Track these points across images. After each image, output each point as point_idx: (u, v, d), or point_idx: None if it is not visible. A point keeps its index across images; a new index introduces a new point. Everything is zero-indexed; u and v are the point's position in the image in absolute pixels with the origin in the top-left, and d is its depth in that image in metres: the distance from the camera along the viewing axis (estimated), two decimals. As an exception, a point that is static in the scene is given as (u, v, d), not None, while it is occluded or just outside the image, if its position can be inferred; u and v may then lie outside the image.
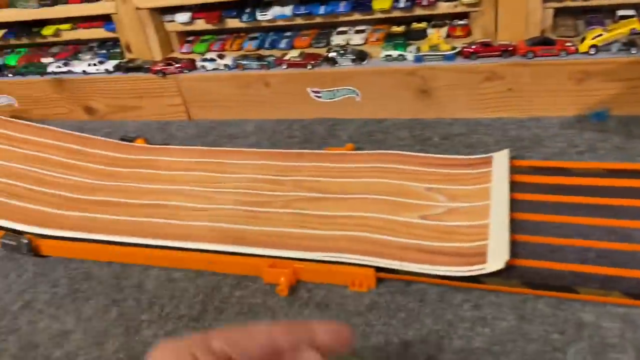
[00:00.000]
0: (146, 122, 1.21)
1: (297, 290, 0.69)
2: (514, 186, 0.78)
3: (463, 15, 1.08)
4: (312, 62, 1.06)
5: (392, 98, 1.04)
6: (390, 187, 0.82)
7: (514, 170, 0.81)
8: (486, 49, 0.97)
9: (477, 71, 0.97)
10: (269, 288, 0.70)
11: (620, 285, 0.60)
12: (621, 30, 0.89)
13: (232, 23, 1.17)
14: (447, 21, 1.09)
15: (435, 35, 1.02)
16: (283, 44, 1.16)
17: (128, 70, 1.19)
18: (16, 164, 1.01)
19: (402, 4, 1.04)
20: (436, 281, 0.66)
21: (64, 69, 1.25)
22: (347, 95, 1.07)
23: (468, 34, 1.05)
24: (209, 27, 1.19)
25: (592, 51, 0.91)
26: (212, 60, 1.14)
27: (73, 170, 1.00)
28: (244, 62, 1.11)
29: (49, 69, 1.26)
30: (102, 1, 1.19)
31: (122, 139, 1.08)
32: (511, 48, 0.95)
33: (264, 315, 0.66)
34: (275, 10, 1.12)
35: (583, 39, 0.92)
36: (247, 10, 1.15)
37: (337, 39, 1.12)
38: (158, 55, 1.22)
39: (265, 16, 1.13)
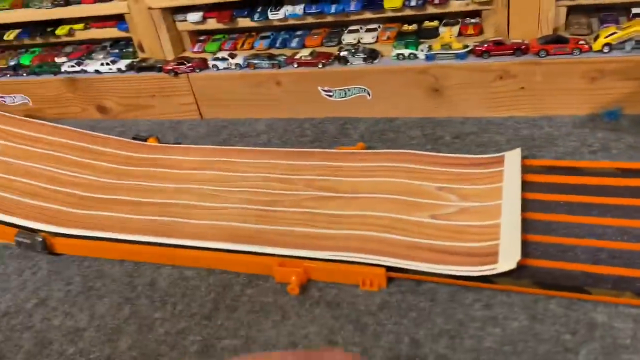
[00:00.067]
0: (158, 121, 1.22)
1: (308, 289, 0.70)
2: (526, 186, 0.78)
3: (475, 14, 1.07)
4: (323, 61, 1.06)
5: (404, 97, 1.03)
6: (401, 187, 0.82)
7: (525, 169, 0.81)
8: (498, 47, 0.96)
9: (489, 70, 0.96)
10: (280, 287, 0.70)
11: (633, 286, 0.60)
12: (636, 28, 0.88)
13: (244, 22, 1.18)
14: (459, 19, 1.08)
15: (447, 33, 1.01)
16: (294, 43, 1.16)
17: (140, 69, 1.20)
18: (31, 163, 1.02)
19: (413, 3, 1.03)
20: (447, 281, 0.66)
21: (77, 68, 1.26)
22: (358, 94, 1.07)
23: (480, 32, 1.05)
24: (221, 26, 1.19)
25: (606, 49, 0.90)
26: (223, 59, 1.14)
27: (86, 169, 1.01)
28: (255, 62, 1.11)
29: (63, 69, 1.27)
30: (115, 1, 1.20)
31: (135, 138, 1.09)
32: (523, 46, 0.95)
33: (274, 314, 0.67)
34: (287, 9, 1.12)
35: (597, 37, 0.91)
36: (259, 9, 1.15)
37: (348, 38, 1.12)
38: (170, 55, 1.22)
39: (277, 15, 1.13)
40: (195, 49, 1.23)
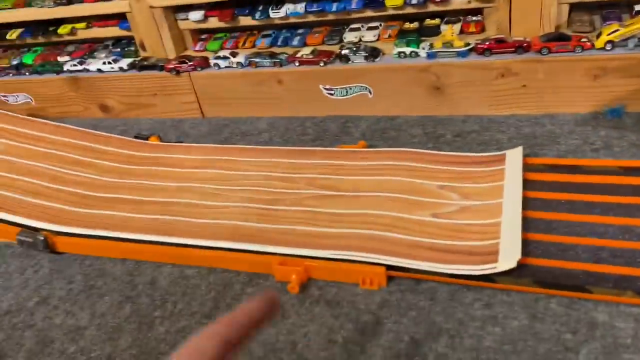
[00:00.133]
0: (160, 120, 1.22)
1: (308, 287, 0.70)
2: (527, 184, 0.77)
3: (477, 11, 1.07)
4: (325, 60, 1.06)
5: (405, 95, 1.03)
6: (402, 185, 0.82)
7: (527, 168, 0.81)
8: (500, 45, 0.96)
9: (490, 68, 0.96)
10: (280, 285, 0.70)
11: (634, 285, 0.59)
12: (638, 26, 0.87)
13: (245, 21, 1.18)
14: (461, 17, 1.08)
15: (449, 31, 1.01)
16: (296, 41, 1.16)
17: (142, 68, 1.20)
18: (33, 162, 1.03)
19: (414, 0, 1.03)
20: (447, 280, 0.65)
21: (80, 67, 1.26)
22: (359, 93, 1.06)
23: (482, 30, 1.04)
24: (222, 25, 1.19)
25: (609, 47, 0.89)
26: (225, 58, 1.14)
27: (88, 168, 1.01)
28: (257, 60, 1.11)
29: (65, 67, 1.27)
30: (117, 0, 1.20)
31: (136, 137, 1.09)
32: (525, 44, 0.94)
33: (275, 312, 0.67)
34: (288, 8, 1.12)
35: (599, 35, 0.91)
36: (260, 7, 1.15)
37: (349, 36, 1.12)
38: (172, 53, 1.23)
39: (278, 13, 1.13)
40: (197, 48, 1.23)
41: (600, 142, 0.87)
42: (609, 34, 0.89)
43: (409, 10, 1.05)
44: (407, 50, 1.02)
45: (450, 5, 1.03)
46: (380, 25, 1.13)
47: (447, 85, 1.00)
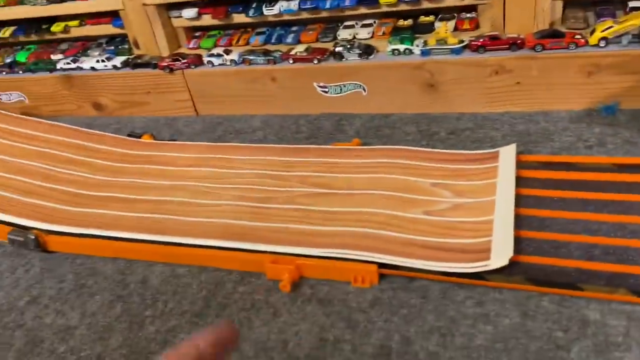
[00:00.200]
0: (154, 118, 1.22)
1: (300, 286, 0.69)
2: (521, 181, 0.77)
3: (471, 8, 1.06)
4: (319, 57, 1.06)
5: (399, 92, 1.03)
6: (395, 183, 0.82)
7: (520, 165, 0.80)
8: (494, 42, 0.95)
9: (484, 65, 0.95)
10: (272, 284, 0.70)
11: (627, 282, 0.59)
12: (632, 22, 0.87)
13: (239, 18, 1.17)
14: (455, 14, 1.07)
15: (443, 28, 1.00)
16: (290, 38, 1.15)
17: (135, 66, 1.20)
18: (26, 161, 1.02)
19: (408, -3, 1.03)
20: (439, 277, 0.65)
21: (73, 65, 1.26)
22: (353, 90, 1.06)
23: (476, 27, 1.04)
24: (216, 22, 1.19)
25: (602, 43, 0.89)
26: (218, 55, 1.14)
27: (81, 167, 1.00)
28: (251, 57, 1.11)
29: (58, 66, 1.27)
30: (110, -3, 1.20)
31: (129, 135, 1.09)
32: (519, 41, 0.94)
33: (266, 311, 0.66)
34: (282, 5, 1.11)
35: (593, 31, 0.90)
36: (254, 5, 1.15)
37: (343, 34, 1.11)
38: (165, 51, 1.22)
39: (272, 11, 1.12)
40: (191, 45, 1.23)
41: (594, 139, 0.86)
42: (603, 31, 0.88)
43: (403, 7, 1.05)
44: (401, 47, 1.01)
45: (445, 2, 1.03)
46: (374, 22, 1.12)
47: (441, 82, 0.99)
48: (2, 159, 1.04)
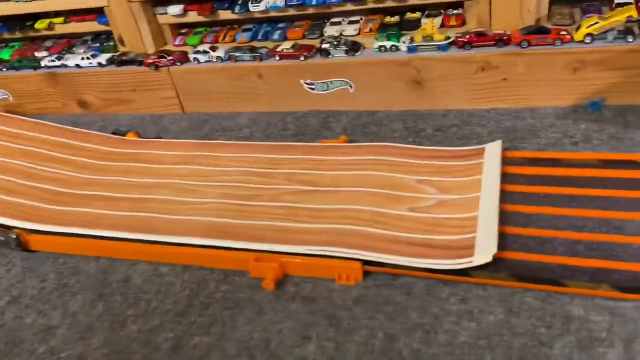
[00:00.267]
0: (139, 116, 1.21)
1: (284, 284, 0.69)
2: (506, 178, 0.77)
3: (458, 5, 1.06)
4: (305, 54, 1.05)
5: (386, 89, 1.02)
6: (381, 180, 0.81)
7: (506, 161, 0.80)
8: (480, 38, 0.95)
9: (471, 61, 0.95)
10: (256, 282, 0.69)
11: (610, 278, 0.59)
12: (617, 18, 0.87)
13: (225, 15, 1.16)
14: (442, 11, 1.07)
15: (429, 25, 1.00)
16: (276, 35, 1.14)
17: (121, 63, 1.19)
18: (9, 159, 1.01)
19: (395, -6, 1.02)
20: (423, 274, 0.65)
21: (58, 62, 1.24)
22: (340, 87, 1.05)
23: (462, 23, 1.04)
24: (202, 19, 1.17)
25: (588, 40, 0.89)
26: (204, 52, 1.13)
27: (65, 165, 0.99)
28: (237, 54, 1.10)
29: (43, 63, 1.25)
30: (94, -7, 1.18)
31: (114, 133, 1.07)
32: (506, 37, 0.94)
33: (249, 310, 0.66)
34: (268, 1, 1.10)
35: (578, 28, 0.90)
36: (239, 1, 1.14)
37: (330, 30, 1.11)
38: (151, 48, 1.21)
39: (258, 7, 1.11)
40: (177, 42, 1.22)
41: (580, 135, 0.86)
42: (588, 27, 0.88)
43: (390, 3, 1.04)
44: (388, 44, 1.01)
45: (431, -1, 1.02)
46: (361, 19, 1.12)
47: (427, 79, 0.99)
48: (-14, 158, 1.03)
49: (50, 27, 1.29)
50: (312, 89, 1.07)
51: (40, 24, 1.29)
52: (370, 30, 1.07)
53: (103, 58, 1.21)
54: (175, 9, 1.17)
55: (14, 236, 0.81)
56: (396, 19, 1.09)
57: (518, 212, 0.71)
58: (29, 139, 1.07)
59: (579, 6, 0.99)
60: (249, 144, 0.99)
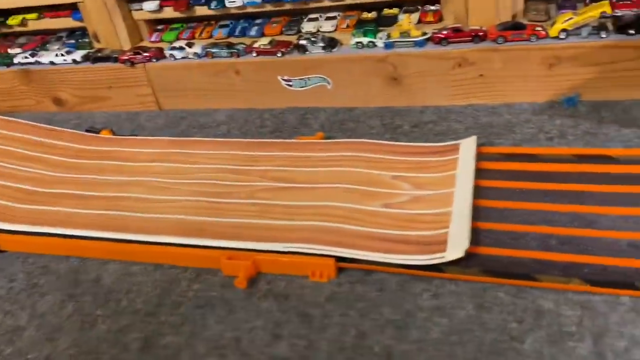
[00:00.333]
0: (115, 113, 1.19)
1: (257, 282, 0.68)
2: (481, 173, 0.77)
3: (435, 1, 1.06)
4: (282, 50, 1.04)
5: (363, 86, 1.02)
6: (357, 176, 0.81)
7: (481, 157, 0.80)
8: (457, 34, 0.95)
9: (447, 57, 0.95)
10: (228, 280, 0.68)
11: (581, 272, 0.59)
12: (591, 14, 0.87)
13: (201, 10, 1.14)
14: (419, 7, 1.07)
15: (406, 21, 0.99)
16: (253, 31, 1.13)
17: (96, 60, 1.17)
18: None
19: (372, -11, 1.02)
20: (397, 270, 0.64)
21: (32, 59, 1.22)
22: (318, 84, 1.05)
23: (439, 19, 1.03)
24: (178, 15, 1.16)
25: (563, 35, 0.89)
26: (180, 48, 1.11)
27: (37, 163, 0.97)
28: (214, 50, 1.09)
29: (16, 60, 1.23)
30: (68, -11, 1.16)
31: (88, 131, 1.06)
32: (482, 33, 0.94)
33: (221, 308, 0.65)
34: (245, -3, 1.10)
35: (553, 23, 0.90)
36: (216, -3, 1.13)
37: (307, 26, 1.10)
38: (127, 45, 1.19)
39: (234, 3, 1.10)
40: (153, 39, 1.20)
41: (556, 130, 0.87)
42: (563, 23, 0.88)
43: (367, -1, 1.04)
44: (365, 40, 1.00)
45: (408, -5, 1.02)
46: (338, 15, 1.11)
47: (404, 75, 0.98)
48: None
49: (23, 23, 1.26)
50: (290, 85, 1.06)
51: (13, 20, 1.26)
52: (348, 26, 1.07)
53: (78, 55, 1.19)
54: (150, 5, 1.15)
55: (-18, 236, 0.79)
56: (373, 15, 1.08)
57: (492, 208, 0.71)
58: (2, 137, 1.05)
59: (554, 2, 0.99)
60: (226, 141, 0.98)
